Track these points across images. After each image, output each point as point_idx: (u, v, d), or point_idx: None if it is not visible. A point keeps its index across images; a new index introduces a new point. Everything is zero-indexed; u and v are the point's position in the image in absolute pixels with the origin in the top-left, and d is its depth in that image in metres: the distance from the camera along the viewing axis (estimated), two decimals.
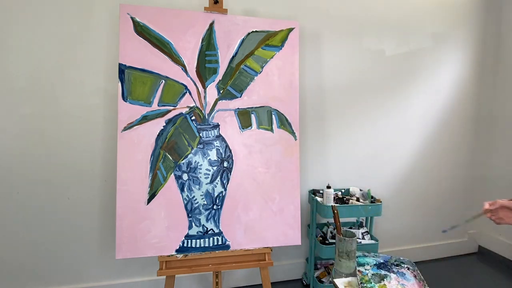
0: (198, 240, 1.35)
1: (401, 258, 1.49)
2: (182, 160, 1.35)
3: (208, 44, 1.37)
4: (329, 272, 1.76)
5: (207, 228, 1.37)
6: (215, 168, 1.38)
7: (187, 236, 1.34)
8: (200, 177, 1.36)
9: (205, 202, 1.37)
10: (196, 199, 1.36)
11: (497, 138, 2.16)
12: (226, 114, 1.40)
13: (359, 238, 1.66)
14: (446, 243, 2.18)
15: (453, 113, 2.08)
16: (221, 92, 1.39)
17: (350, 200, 1.68)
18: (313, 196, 1.72)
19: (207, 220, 1.37)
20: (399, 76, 1.93)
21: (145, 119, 1.31)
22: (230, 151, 1.40)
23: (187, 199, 1.35)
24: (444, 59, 2.01)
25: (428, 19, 1.94)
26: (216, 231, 1.38)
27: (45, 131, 1.44)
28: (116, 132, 1.37)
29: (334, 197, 1.66)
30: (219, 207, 1.38)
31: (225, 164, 1.39)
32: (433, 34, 1.96)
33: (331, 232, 1.69)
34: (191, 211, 1.35)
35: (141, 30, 1.31)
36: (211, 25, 1.38)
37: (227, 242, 1.38)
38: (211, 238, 1.37)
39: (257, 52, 1.43)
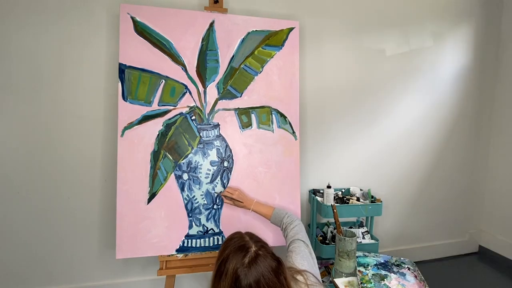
0: (198, 240, 1.35)
1: (402, 258, 1.49)
2: (182, 160, 1.35)
3: (208, 43, 1.37)
4: (329, 272, 1.76)
5: (207, 228, 1.37)
6: (215, 167, 1.38)
7: (187, 236, 1.34)
8: (200, 176, 1.36)
9: (205, 202, 1.37)
10: (196, 198, 1.36)
11: (497, 139, 2.16)
12: (226, 114, 1.40)
13: (359, 238, 1.66)
14: (446, 242, 2.18)
15: (453, 113, 2.07)
16: (221, 91, 1.39)
17: (350, 200, 1.67)
18: (313, 195, 1.72)
19: (207, 219, 1.37)
20: (400, 76, 1.93)
21: (145, 119, 1.31)
22: (230, 151, 1.40)
23: (187, 198, 1.35)
24: (444, 58, 2.01)
25: (428, 19, 1.94)
26: (216, 230, 1.38)
27: (45, 131, 1.44)
28: (116, 132, 1.37)
29: (334, 197, 1.66)
30: (219, 206, 1.38)
31: (225, 163, 1.39)
32: (434, 33, 1.96)
33: (331, 232, 1.68)
34: (191, 210, 1.35)
35: (141, 30, 1.31)
36: (211, 24, 1.38)
37: None
38: (211, 238, 1.37)
39: (257, 52, 1.43)
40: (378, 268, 1.42)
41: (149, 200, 1.31)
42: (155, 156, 1.32)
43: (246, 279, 0.72)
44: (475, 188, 2.22)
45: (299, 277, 0.85)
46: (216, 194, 1.37)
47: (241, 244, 0.79)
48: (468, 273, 1.98)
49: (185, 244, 1.34)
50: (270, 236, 1.41)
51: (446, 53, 2.01)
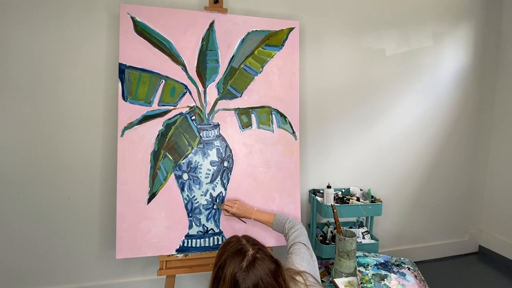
0: (198, 240, 1.35)
1: (402, 258, 1.49)
2: (182, 160, 1.35)
3: (208, 43, 1.37)
4: (329, 272, 1.76)
5: (207, 228, 1.37)
6: (215, 167, 1.38)
7: (187, 236, 1.34)
8: (200, 176, 1.36)
9: (205, 202, 1.37)
10: (196, 198, 1.36)
11: (497, 138, 2.16)
12: (226, 114, 1.40)
13: (359, 238, 1.66)
14: (446, 243, 2.18)
15: (453, 113, 2.08)
16: (221, 91, 1.39)
17: (350, 200, 1.67)
18: (313, 195, 1.72)
19: (207, 219, 1.37)
20: (399, 76, 1.93)
21: (145, 119, 1.31)
22: (230, 151, 1.40)
23: (187, 198, 1.35)
24: (444, 58, 2.01)
25: (428, 18, 1.94)
26: (216, 230, 1.38)
27: (45, 131, 1.44)
28: (116, 132, 1.37)
29: (334, 197, 1.66)
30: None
31: (225, 163, 1.39)
32: (434, 33, 1.96)
33: (331, 232, 1.69)
34: (191, 210, 1.35)
35: (141, 30, 1.31)
36: (211, 24, 1.38)
37: None
38: (211, 238, 1.37)
39: (257, 52, 1.43)
40: (378, 268, 1.42)
41: (149, 200, 1.31)
42: (155, 156, 1.32)
43: (245, 283, 0.71)
44: (475, 188, 2.22)
45: (298, 278, 0.85)
46: (217, 207, 1.37)
47: (238, 248, 0.78)
48: (468, 273, 1.98)
49: (185, 244, 1.34)
50: (269, 235, 1.41)
51: (446, 53, 2.01)
